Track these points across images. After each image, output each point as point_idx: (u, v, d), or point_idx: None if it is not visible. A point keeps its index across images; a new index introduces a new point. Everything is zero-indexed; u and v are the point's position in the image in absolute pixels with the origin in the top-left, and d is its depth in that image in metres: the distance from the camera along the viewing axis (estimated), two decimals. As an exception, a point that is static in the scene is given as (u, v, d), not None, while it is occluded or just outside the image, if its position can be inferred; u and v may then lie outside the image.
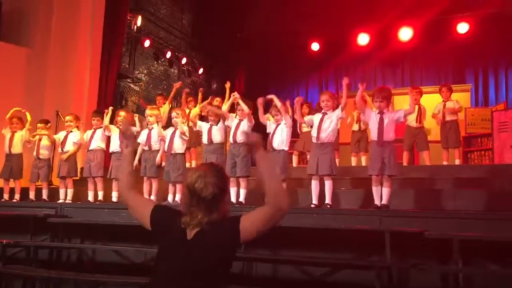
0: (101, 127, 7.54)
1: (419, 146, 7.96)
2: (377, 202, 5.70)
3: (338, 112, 6.05)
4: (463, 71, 13.48)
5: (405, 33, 12.71)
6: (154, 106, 8.30)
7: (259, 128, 6.70)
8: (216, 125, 6.79)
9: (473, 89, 12.87)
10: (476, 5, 11.63)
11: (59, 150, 7.69)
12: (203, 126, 6.92)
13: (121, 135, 2.87)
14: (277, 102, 6.42)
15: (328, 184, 5.96)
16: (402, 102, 8.58)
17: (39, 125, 7.89)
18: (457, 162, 7.90)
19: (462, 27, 12.18)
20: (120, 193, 2.81)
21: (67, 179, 7.59)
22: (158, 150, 7.11)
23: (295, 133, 7.72)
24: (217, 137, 6.76)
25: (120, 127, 7.24)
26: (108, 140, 7.65)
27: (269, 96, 6.53)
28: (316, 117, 6.17)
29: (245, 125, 6.51)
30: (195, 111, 8.97)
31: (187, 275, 2.43)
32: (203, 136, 6.91)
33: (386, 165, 5.65)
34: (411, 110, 6.17)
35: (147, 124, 7.33)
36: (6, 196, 7.88)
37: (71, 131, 7.69)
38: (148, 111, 7.41)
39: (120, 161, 7.14)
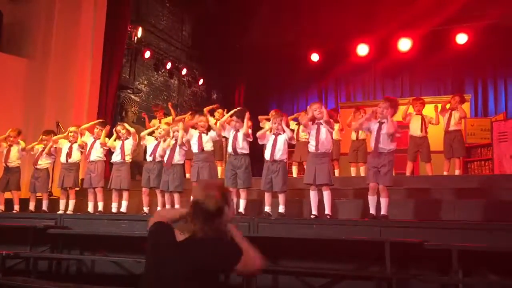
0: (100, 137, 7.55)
1: (423, 157, 7.97)
2: (372, 211, 5.73)
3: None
4: (462, 81, 13.51)
5: (404, 44, 12.75)
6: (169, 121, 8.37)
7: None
8: (206, 134, 6.80)
9: (473, 99, 12.90)
10: (475, 16, 11.68)
11: (63, 161, 7.70)
12: (194, 134, 6.90)
13: None
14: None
15: (326, 194, 5.97)
16: (400, 112, 8.56)
17: (44, 137, 7.93)
18: (457, 172, 7.89)
19: (461, 38, 12.23)
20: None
21: (70, 190, 7.60)
22: (161, 162, 7.13)
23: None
24: (208, 145, 6.79)
25: None
26: (108, 150, 7.66)
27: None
28: (313, 127, 6.19)
29: (242, 136, 6.49)
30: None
31: (178, 276, 2.46)
32: (192, 144, 6.88)
33: (381, 175, 5.68)
34: (403, 121, 6.17)
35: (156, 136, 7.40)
36: (1, 207, 7.91)
37: (76, 142, 7.71)
38: (164, 125, 7.47)
39: (121, 171, 7.22)
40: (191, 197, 2.66)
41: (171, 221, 2.71)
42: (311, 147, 6.16)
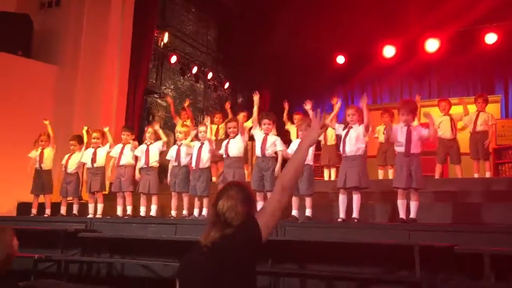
0: (130, 142, 7.67)
1: (453, 159, 7.87)
2: (402, 215, 5.65)
3: (361, 129, 6.04)
4: (492, 82, 13.25)
5: (432, 45, 12.57)
6: (185, 122, 8.44)
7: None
8: (234, 138, 6.82)
9: (503, 100, 12.63)
10: (504, 15, 11.47)
11: (89, 165, 7.82)
12: (224, 143, 6.96)
13: None
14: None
15: (356, 198, 5.93)
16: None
17: (71, 142, 8.08)
18: (487, 174, 7.77)
19: (490, 38, 11.99)
20: None
21: (97, 194, 7.72)
22: (187, 165, 7.19)
23: (317, 146, 7.72)
24: (233, 151, 6.76)
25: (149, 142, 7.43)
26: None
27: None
28: (342, 131, 6.18)
29: (272, 139, 6.52)
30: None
31: (209, 282, 2.42)
32: (222, 150, 6.93)
33: (413, 178, 5.60)
34: (432, 134, 5.96)
35: (175, 140, 7.48)
36: (34, 211, 8.07)
37: (99, 147, 7.83)
38: (178, 127, 7.56)
39: (149, 176, 7.30)
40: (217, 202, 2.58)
41: None
42: (341, 151, 6.16)
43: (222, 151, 6.90)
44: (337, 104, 6.89)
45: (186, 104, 9.70)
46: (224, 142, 6.92)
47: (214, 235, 2.47)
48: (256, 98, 6.80)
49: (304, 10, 13.36)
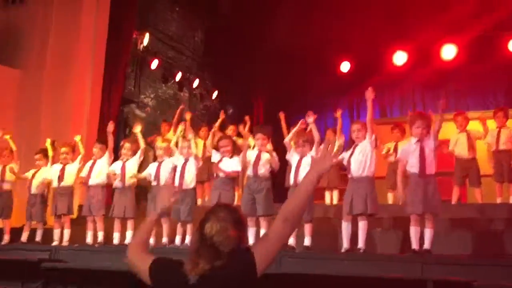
0: (101, 157, 7.64)
1: (472, 181, 7.89)
2: (415, 245, 5.63)
3: (367, 139, 6.06)
4: (516, 93, 13.37)
5: (448, 51, 12.69)
6: (165, 138, 8.49)
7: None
8: (230, 158, 6.80)
9: (528, 115, 12.74)
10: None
11: (55, 184, 7.76)
12: (215, 158, 6.96)
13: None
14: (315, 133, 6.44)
15: (362, 224, 5.91)
16: (444, 129, 8.47)
17: (36, 156, 8.03)
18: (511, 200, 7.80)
19: (514, 44, 12.14)
20: (131, 250, 2.85)
21: (64, 217, 7.65)
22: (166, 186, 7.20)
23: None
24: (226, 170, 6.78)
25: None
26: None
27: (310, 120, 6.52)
28: (347, 152, 6.20)
29: (265, 157, 6.53)
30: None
31: None
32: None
33: (430, 202, 5.59)
34: (438, 127, 5.96)
35: (155, 158, 7.52)
36: (-6, 237, 8.00)
37: (68, 163, 7.78)
38: (158, 143, 7.57)
39: (126, 197, 7.27)
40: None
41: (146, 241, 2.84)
42: (347, 172, 6.17)
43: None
44: (340, 118, 6.93)
45: (180, 108, 9.78)
46: (216, 160, 6.91)
47: (204, 267, 2.44)
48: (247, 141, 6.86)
49: (303, 10, 13.40)
